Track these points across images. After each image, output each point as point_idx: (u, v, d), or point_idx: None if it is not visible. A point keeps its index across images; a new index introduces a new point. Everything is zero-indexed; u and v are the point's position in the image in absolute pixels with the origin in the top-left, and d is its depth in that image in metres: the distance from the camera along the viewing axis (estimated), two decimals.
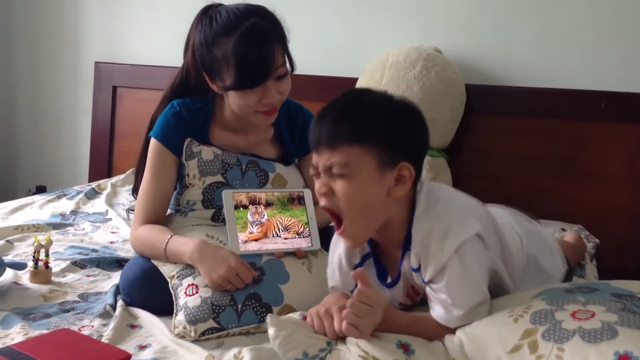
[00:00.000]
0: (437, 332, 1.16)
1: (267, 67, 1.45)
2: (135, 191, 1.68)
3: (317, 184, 1.16)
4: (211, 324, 1.31)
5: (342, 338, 1.14)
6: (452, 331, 1.14)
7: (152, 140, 1.57)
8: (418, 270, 1.17)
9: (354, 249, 1.26)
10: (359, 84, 2.41)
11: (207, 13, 1.51)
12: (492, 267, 1.22)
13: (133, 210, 1.88)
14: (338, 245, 1.29)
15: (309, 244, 1.49)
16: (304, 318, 1.21)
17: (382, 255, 1.27)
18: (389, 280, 1.26)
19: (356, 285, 1.18)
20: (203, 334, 1.30)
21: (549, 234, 1.69)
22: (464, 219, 1.15)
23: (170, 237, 1.45)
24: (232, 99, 1.50)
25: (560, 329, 1.00)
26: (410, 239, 1.16)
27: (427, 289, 1.17)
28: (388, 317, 1.15)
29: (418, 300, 1.28)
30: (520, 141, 2.38)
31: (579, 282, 1.26)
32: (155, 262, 1.48)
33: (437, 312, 1.16)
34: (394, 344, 1.09)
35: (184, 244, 1.42)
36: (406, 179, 1.14)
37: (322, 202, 1.15)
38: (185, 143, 1.56)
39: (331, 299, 1.21)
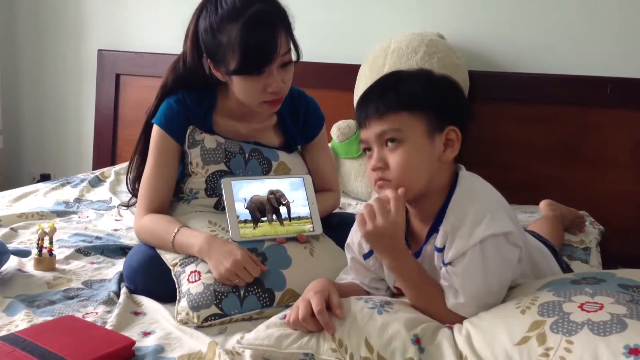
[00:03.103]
0: (441, 308, 1.15)
1: (272, 52, 1.44)
2: (135, 180, 1.66)
3: (372, 160, 1.18)
4: (214, 310, 1.31)
5: (319, 328, 1.12)
6: (456, 316, 1.14)
7: (155, 127, 1.56)
8: (441, 250, 1.18)
9: None
10: (361, 71, 2.39)
11: (211, 0, 1.50)
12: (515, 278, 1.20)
13: (127, 205, 1.88)
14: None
15: (311, 229, 1.49)
16: (285, 317, 1.20)
17: (409, 235, 1.27)
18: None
19: (370, 251, 1.24)
20: (206, 320, 1.30)
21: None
22: (499, 215, 1.15)
23: (179, 229, 1.44)
24: (237, 87, 1.49)
25: (569, 321, 0.99)
26: (442, 219, 1.17)
27: (443, 271, 1.17)
28: (404, 255, 1.17)
29: None
30: (525, 128, 2.37)
31: (584, 272, 1.24)
32: (158, 250, 1.48)
33: (446, 297, 1.16)
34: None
35: (193, 237, 1.42)
36: (454, 142, 1.19)
37: (375, 175, 1.18)
38: (188, 131, 1.55)
39: (314, 284, 1.20)
